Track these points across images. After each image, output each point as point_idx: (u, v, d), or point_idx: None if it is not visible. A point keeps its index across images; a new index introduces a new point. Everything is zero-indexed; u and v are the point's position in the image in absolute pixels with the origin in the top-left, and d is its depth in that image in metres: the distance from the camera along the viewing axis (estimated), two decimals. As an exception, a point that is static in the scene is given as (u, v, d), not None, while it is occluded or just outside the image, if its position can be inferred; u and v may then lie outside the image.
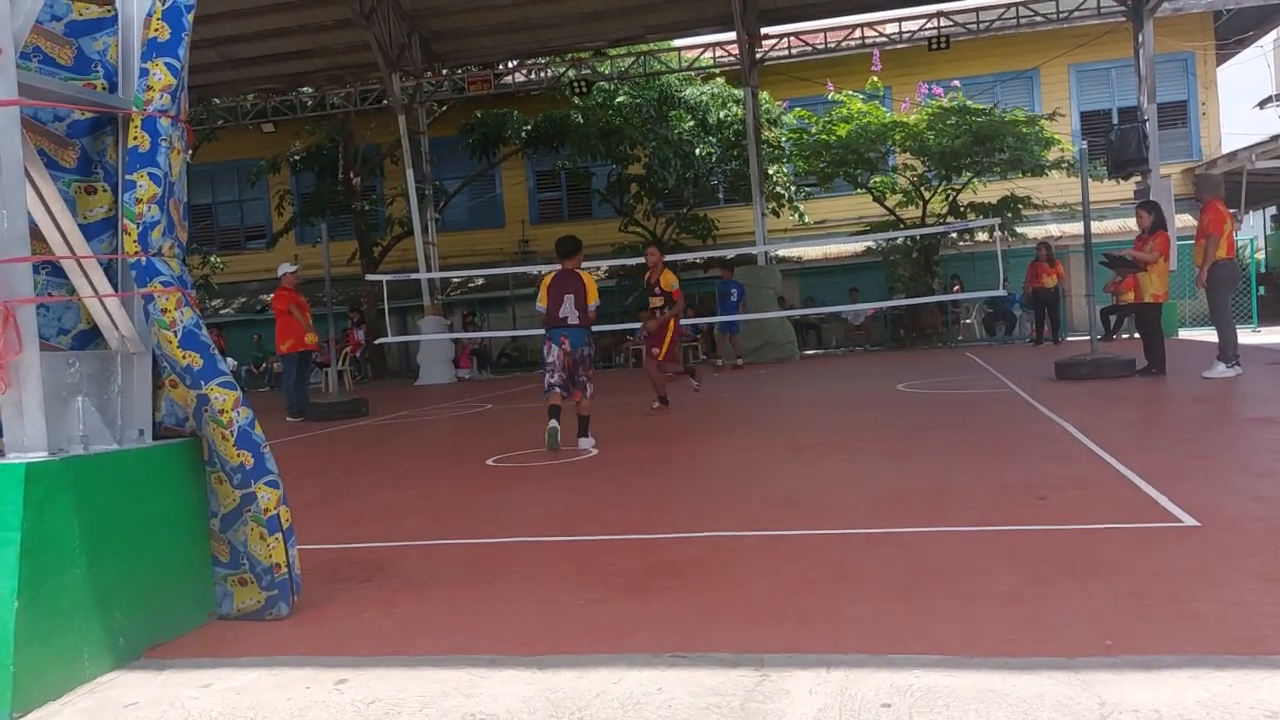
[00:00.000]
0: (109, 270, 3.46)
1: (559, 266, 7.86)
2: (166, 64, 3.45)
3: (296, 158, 25.22)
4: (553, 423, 7.52)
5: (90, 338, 3.54)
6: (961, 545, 4.00)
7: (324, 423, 11.88)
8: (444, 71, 21.85)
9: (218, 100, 23.22)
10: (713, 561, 3.98)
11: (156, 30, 3.45)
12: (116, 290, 3.43)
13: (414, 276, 19.12)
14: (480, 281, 25.66)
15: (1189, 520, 4.05)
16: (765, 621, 3.15)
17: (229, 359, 22.35)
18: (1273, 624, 2.81)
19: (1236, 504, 4.35)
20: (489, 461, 7.34)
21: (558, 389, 7.65)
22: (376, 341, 21.77)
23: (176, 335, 3.39)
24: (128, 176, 3.41)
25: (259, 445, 3.53)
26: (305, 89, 22.84)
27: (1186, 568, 3.44)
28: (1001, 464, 5.83)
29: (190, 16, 3.52)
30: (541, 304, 7.73)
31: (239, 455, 3.47)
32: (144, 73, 3.44)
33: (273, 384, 22.19)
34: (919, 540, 4.13)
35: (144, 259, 3.37)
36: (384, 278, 16.07)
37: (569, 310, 7.62)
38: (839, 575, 3.65)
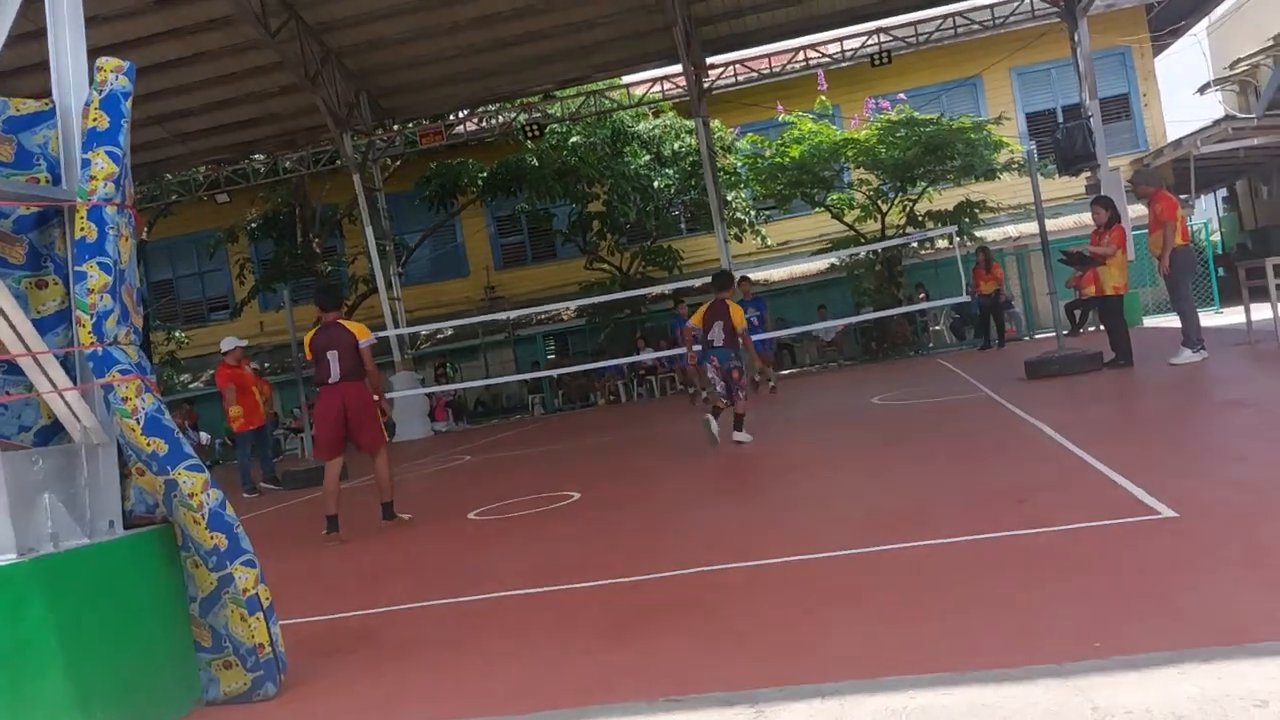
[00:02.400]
0: (66, 363, 3.43)
1: (719, 298, 9.15)
2: (108, 152, 3.43)
3: (253, 225, 25.15)
4: (713, 422, 9.00)
5: (52, 433, 3.50)
6: (946, 557, 4.01)
7: (301, 490, 11.75)
8: (395, 127, 21.91)
9: (170, 176, 23.15)
10: (701, 599, 3.96)
11: (95, 120, 3.44)
12: (75, 383, 3.40)
13: (382, 334, 19.05)
14: (449, 332, 25.60)
15: (1167, 512, 4.08)
16: (757, 656, 3.13)
17: (201, 433, 22.15)
18: (1255, 611, 2.83)
19: (1212, 491, 4.39)
20: (471, 515, 7.29)
21: (722, 397, 9.12)
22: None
23: (139, 423, 3.36)
24: (77, 268, 3.39)
25: (232, 525, 3.49)
26: (257, 156, 22.83)
27: (1168, 561, 3.47)
28: (980, 470, 5.86)
29: (128, 103, 3.51)
30: (696, 325, 9.23)
31: (212, 538, 3.43)
32: (86, 163, 3.43)
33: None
34: (904, 556, 4.13)
35: (100, 349, 3.34)
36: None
37: (716, 334, 9.02)
38: (827, 600, 3.64)
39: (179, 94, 19.79)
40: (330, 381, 7.18)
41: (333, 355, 7.17)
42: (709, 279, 11.02)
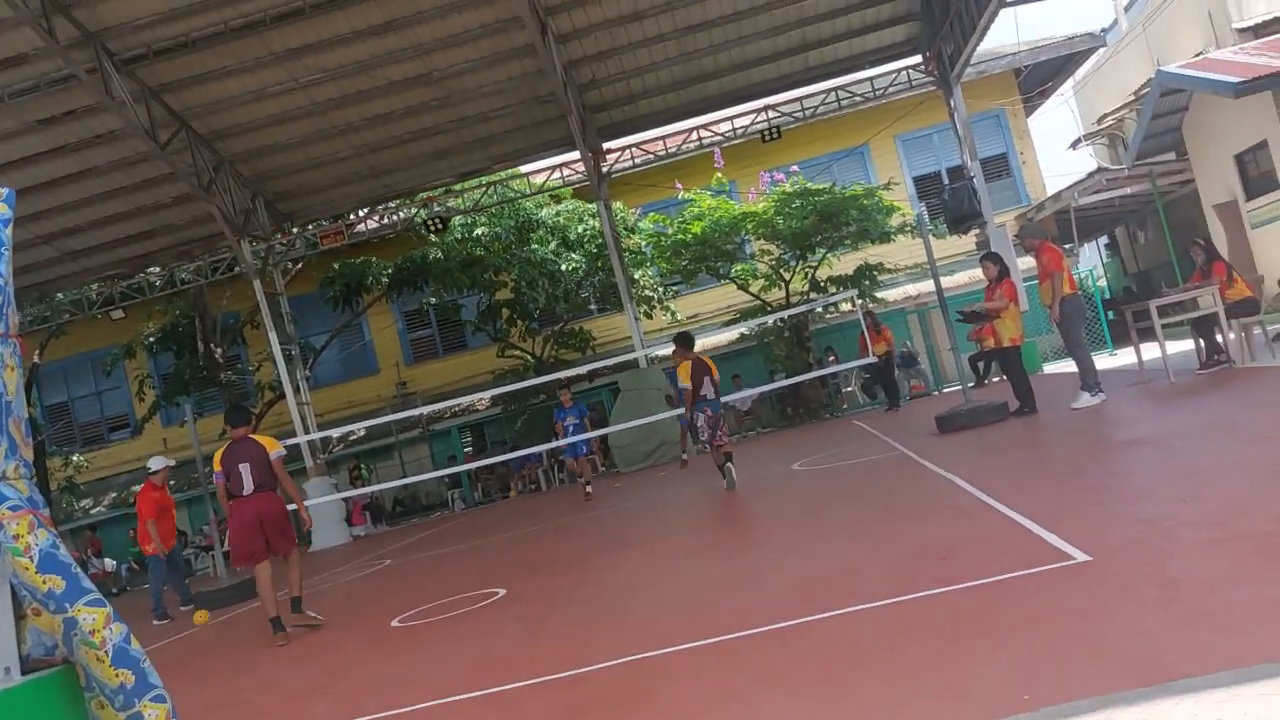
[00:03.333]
0: (-50, 504, 3.25)
1: (690, 357, 10.46)
2: (-12, 284, 3.32)
3: (152, 339, 24.44)
4: (729, 467, 10.30)
5: (-63, 579, 3.30)
6: (874, 622, 4.02)
7: (215, 610, 11.28)
8: (294, 230, 21.72)
9: (61, 295, 22.45)
10: (634, 689, 3.89)
11: (-27, 250, 3.33)
12: (-40, 524, 3.22)
13: (291, 441, 18.54)
14: (362, 432, 25.12)
15: (1081, 556, 4.17)
16: (694, 743, 3.08)
17: (106, 559, 21.18)
18: (1171, 648, 2.90)
19: (1120, 531, 4.52)
20: (394, 622, 7.07)
21: (707, 443, 10.52)
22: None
23: (33, 560, 3.19)
24: (-41, 404, 3.24)
25: (138, 660, 3.32)
26: (152, 269, 22.32)
27: (1086, 605, 3.54)
28: (900, 529, 5.93)
29: (8, 230, 3.41)
30: (684, 382, 10.35)
31: (118, 675, 3.25)
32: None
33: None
34: (832, 626, 4.13)
35: (-13, 487, 3.18)
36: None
37: (707, 388, 10.39)
38: (760, 680, 3.61)
39: (67, 211, 19.37)
40: (245, 494, 7.41)
41: (245, 468, 7.42)
42: (619, 359, 11.52)
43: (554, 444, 14.90)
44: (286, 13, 15.87)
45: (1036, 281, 11.00)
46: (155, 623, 11.34)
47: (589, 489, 14.37)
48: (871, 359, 16.95)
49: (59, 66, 15.29)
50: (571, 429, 14.35)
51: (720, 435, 10.44)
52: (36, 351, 23.64)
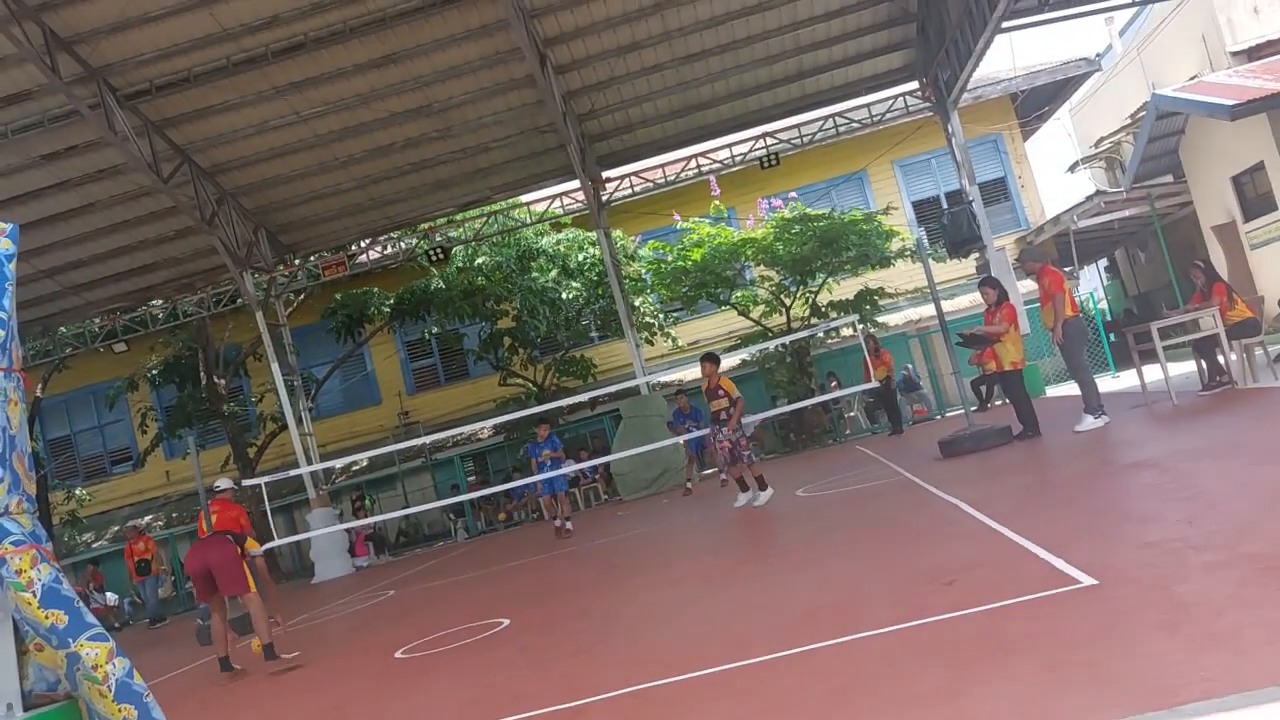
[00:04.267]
0: (-48, 540, 3.25)
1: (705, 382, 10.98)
2: (-8, 317, 3.33)
3: (154, 372, 24.47)
4: (743, 497, 10.85)
5: (-60, 616, 3.29)
6: (880, 650, 4.00)
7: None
8: (296, 261, 21.80)
9: (64, 329, 22.51)
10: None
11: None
12: (-37, 560, 3.22)
13: (295, 472, 18.55)
14: (364, 463, 25.08)
15: (1087, 580, 4.15)
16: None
17: (108, 594, 21.09)
18: (1179, 672, 2.88)
19: (1126, 554, 4.50)
20: (398, 654, 7.03)
21: (725, 467, 11.16)
22: (264, 547, 20.83)
23: (36, 595, 3.19)
24: (-38, 439, 3.24)
25: (140, 695, 3.30)
26: (155, 301, 22.39)
27: (1093, 630, 3.52)
28: (905, 555, 5.90)
29: (12, 265, 3.43)
30: (735, 392, 10.89)
31: (120, 710, 3.23)
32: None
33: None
34: (839, 653, 4.11)
35: (-11, 522, 3.18)
36: (261, 480, 15.52)
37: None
38: (767, 709, 3.59)
39: (70, 245, 19.46)
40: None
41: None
42: (621, 386, 12.00)
43: (532, 479, 14.55)
44: (288, 47, 16.02)
45: (1038, 304, 11.03)
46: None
47: (569, 526, 13.89)
48: (873, 384, 16.94)
49: (62, 102, 15.44)
50: (549, 464, 14.05)
51: (742, 461, 10.83)
52: (39, 385, 23.66)
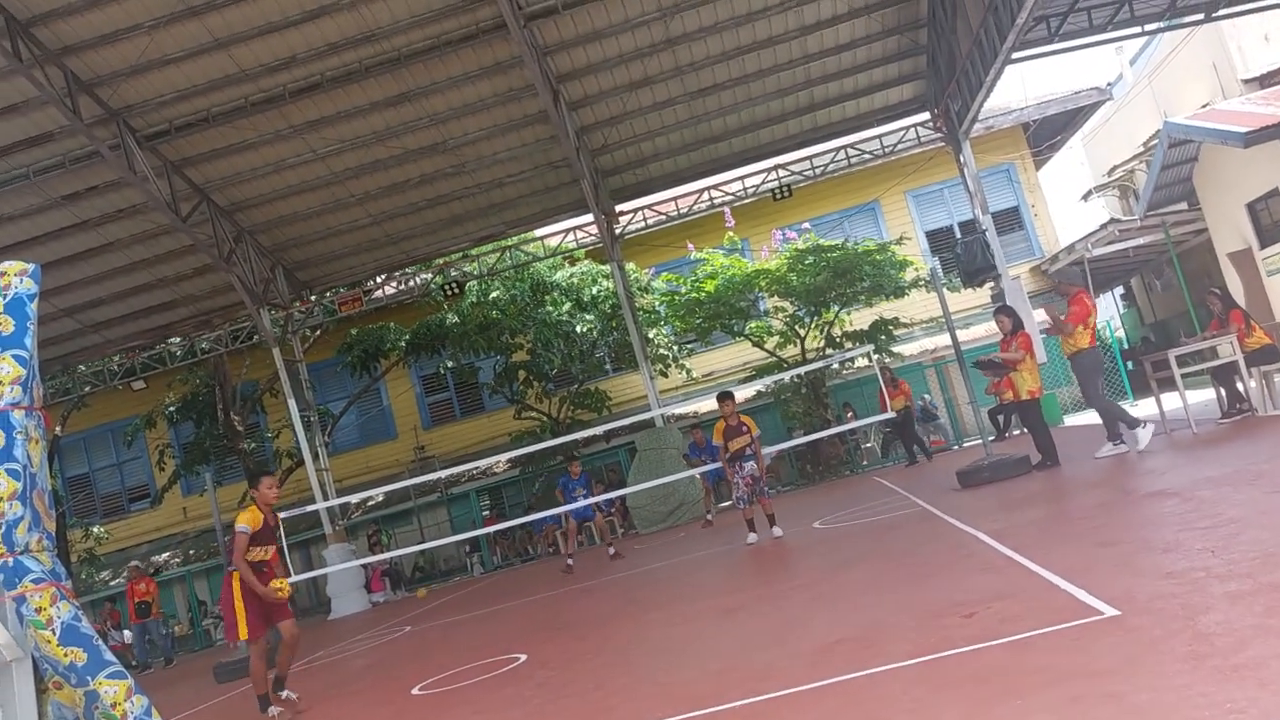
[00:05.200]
0: (-27, 578, 3.27)
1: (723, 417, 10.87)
2: (14, 356, 3.38)
3: (172, 409, 24.62)
4: (751, 535, 10.66)
5: (-40, 654, 3.30)
6: (901, 683, 3.96)
7: (234, 682, 11.18)
8: (313, 298, 21.95)
9: (83, 367, 22.70)
10: (659, 754, 3.83)
11: (0, 325, 3.39)
12: (-16, 598, 3.24)
13: (311, 508, 18.59)
14: (381, 498, 25.10)
15: (1109, 610, 4.11)
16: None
17: (125, 632, 21.09)
18: (1204, 704, 2.84)
19: (1148, 585, 4.45)
20: (415, 691, 7.00)
21: (745, 503, 10.98)
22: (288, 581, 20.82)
23: (55, 633, 3.20)
24: (-16, 477, 3.27)
25: (159, 733, 3.30)
26: (173, 339, 22.56)
27: (1116, 661, 3.48)
28: (925, 587, 5.85)
29: (34, 305, 3.48)
30: (717, 441, 11.02)
31: (138, 749, 3.23)
32: (-9, 369, 3.36)
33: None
34: (858, 687, 4.07)
35: (10, 559, 3.21)
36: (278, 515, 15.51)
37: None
38: (787, 742, 3.55)
39: (90, 284, 19.68)
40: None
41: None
42: (636, 419, 12.20)
43: (565, 508, 14.85)
44: (305, 87, 16.26)
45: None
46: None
47: (612, 549, 14.55)
48: (890, 414, 16.88)
49: (83, 144, 15.70)
50: (582, 499, 14.61)
51: (762, 497, 10.99)
52: (59, 423, 23.82)
